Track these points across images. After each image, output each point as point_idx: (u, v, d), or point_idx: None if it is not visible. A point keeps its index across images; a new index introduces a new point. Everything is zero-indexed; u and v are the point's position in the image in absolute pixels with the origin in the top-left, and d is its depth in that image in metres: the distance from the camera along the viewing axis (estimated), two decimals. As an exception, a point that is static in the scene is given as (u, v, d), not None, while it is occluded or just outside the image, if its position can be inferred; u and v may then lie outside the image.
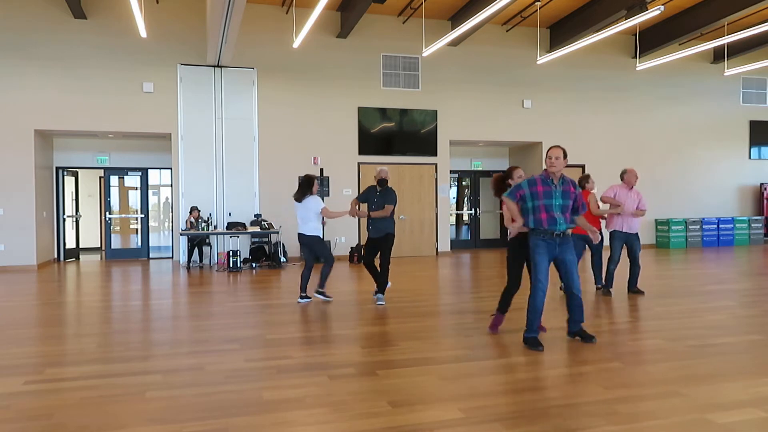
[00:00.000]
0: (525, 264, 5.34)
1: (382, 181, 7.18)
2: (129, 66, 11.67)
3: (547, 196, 4.87)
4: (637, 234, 7.54)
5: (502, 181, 5.60)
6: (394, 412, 3.41)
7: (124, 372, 4.28)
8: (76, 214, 13.68)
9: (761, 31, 11.33)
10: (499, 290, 5.83)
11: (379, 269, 7.08)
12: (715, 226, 15.21)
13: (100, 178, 14.94)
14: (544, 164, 14.89)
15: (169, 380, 4.08)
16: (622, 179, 7.64)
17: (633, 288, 7.60)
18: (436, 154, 13.54)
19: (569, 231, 5.01)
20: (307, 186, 7.16)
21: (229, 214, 12.26)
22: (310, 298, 7.23)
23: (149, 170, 13.50)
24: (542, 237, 4.88)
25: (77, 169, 13.37)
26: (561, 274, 5.02)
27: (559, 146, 4.94)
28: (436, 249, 13.68)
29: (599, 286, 7.82)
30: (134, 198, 13.89)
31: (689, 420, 3.26)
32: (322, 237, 7.41)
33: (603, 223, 7.77)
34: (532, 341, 4.88)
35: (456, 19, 12.99)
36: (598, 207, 7.65)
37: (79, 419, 3.35)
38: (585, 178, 7.81)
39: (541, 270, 4.87)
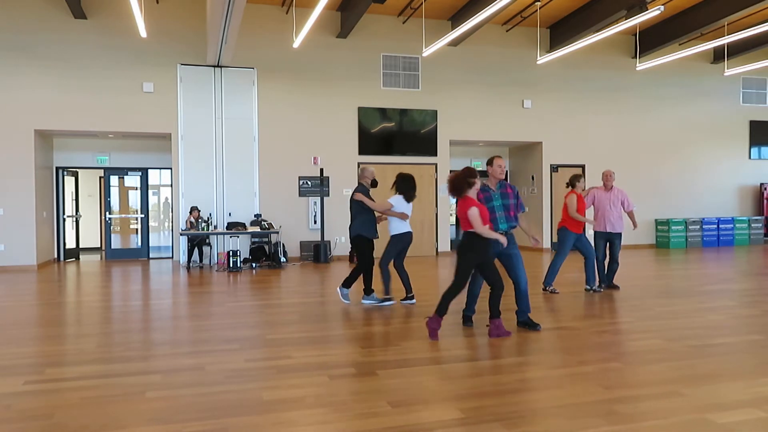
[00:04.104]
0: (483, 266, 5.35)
1: (375, 182, 7.21)
2: (129, 66, 11.67)
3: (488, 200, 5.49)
4: (620, 234, 7.91)
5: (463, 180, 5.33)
6: (394, 412, 3.41)
7: (124, 372, 4.28)
8: (76, 214, 13.68)
9: (761, 31, 11.33)
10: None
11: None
12: (715, 226, 15.21)
13: (100, 178, 14.94)
14: (544, 165, 14.61)
15: (169, 380, 4.07)
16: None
17: (610, 283, 8.00)
18: (436, 154, 13.54)
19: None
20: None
21: (229, 214, 12.26)
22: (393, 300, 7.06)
23: (149, 170, 13.51)
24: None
25: (77, 169, 13.37)
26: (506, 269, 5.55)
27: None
28: (436, 249, 13.68)
29: (588, 288, 7.80)
30: (134, 198, 13.89)
31: (689, 420, 3.26)
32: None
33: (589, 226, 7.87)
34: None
35: (456, 19, 12.99)
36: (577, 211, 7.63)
37: (79, 419, 3.35)
38: (576, 178, 7.77)
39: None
